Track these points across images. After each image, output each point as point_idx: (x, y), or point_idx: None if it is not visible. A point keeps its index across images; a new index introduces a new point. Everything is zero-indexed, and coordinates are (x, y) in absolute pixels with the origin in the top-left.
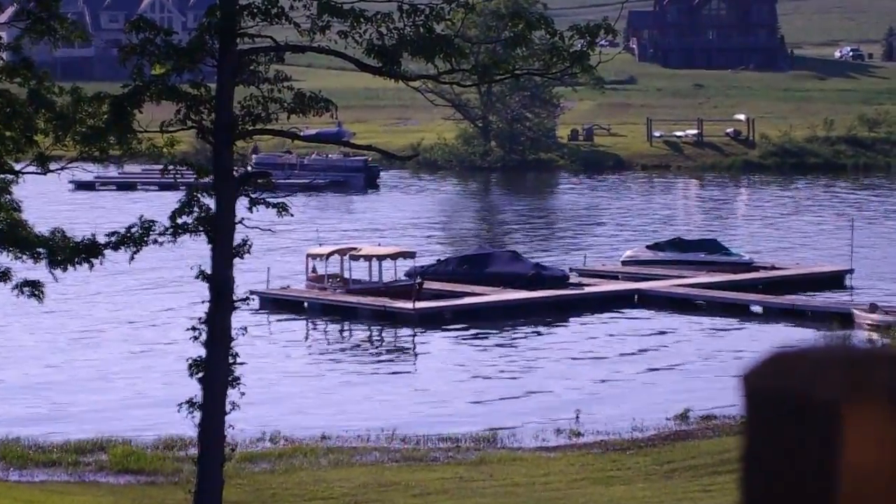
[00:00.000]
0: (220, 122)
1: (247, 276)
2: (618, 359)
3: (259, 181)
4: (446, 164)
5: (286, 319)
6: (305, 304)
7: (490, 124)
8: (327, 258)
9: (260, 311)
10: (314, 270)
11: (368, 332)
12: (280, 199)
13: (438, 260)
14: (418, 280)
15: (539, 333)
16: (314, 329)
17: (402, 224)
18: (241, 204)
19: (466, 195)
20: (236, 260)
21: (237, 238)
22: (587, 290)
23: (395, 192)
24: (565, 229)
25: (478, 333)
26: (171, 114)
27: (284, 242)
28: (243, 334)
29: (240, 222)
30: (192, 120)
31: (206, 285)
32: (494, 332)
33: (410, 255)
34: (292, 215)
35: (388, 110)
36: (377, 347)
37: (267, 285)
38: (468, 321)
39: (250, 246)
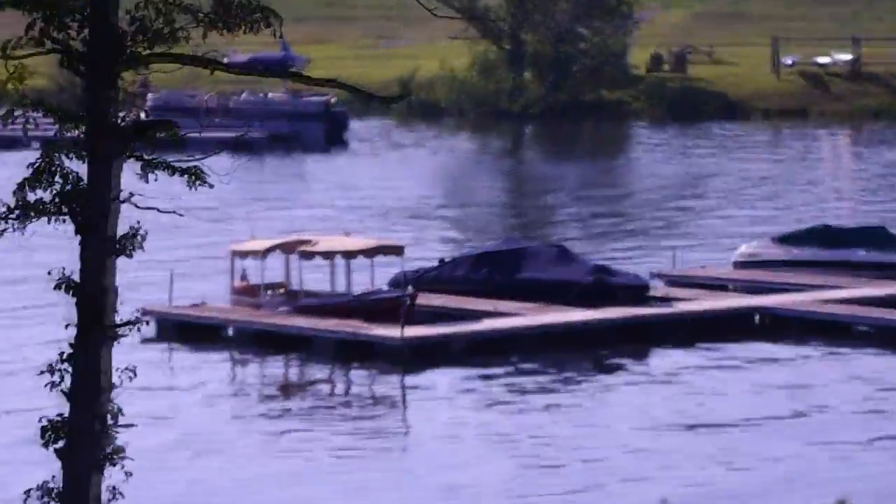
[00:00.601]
0: (96, 43)
1: (143, 290)
2: (728, 418)
3: (158, 134)
4: (454, 109)
5: (199, 356)
6: (228, 329)
7: (524, 46)
8: (264, 256)
9: (157, 342)
10: (243, 277)
11: (329, 378)
12: (192, 163)
13: (442, 260)
14: (409, 291)
15: (602, 380)
16: (242, 372)
17: (383, 202)
18: (130, 171)
19: (486, 156)
20: (122, 261)
21: (122, 225)
22: (679, 307)
23: (372, 151)
24: (643, 210)
25: (504, 379)
26: (19, 30)
27: (199, 232)
28: (129, 379)
29: (118, 198)
30: (53, 39)
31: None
32: (531, 375)
33: (396, 251)
34: (211, 187)
35: (362, 24)
36: (343, 402)
37: (169, 300)
38: (489, 358)
39: (143, 237)
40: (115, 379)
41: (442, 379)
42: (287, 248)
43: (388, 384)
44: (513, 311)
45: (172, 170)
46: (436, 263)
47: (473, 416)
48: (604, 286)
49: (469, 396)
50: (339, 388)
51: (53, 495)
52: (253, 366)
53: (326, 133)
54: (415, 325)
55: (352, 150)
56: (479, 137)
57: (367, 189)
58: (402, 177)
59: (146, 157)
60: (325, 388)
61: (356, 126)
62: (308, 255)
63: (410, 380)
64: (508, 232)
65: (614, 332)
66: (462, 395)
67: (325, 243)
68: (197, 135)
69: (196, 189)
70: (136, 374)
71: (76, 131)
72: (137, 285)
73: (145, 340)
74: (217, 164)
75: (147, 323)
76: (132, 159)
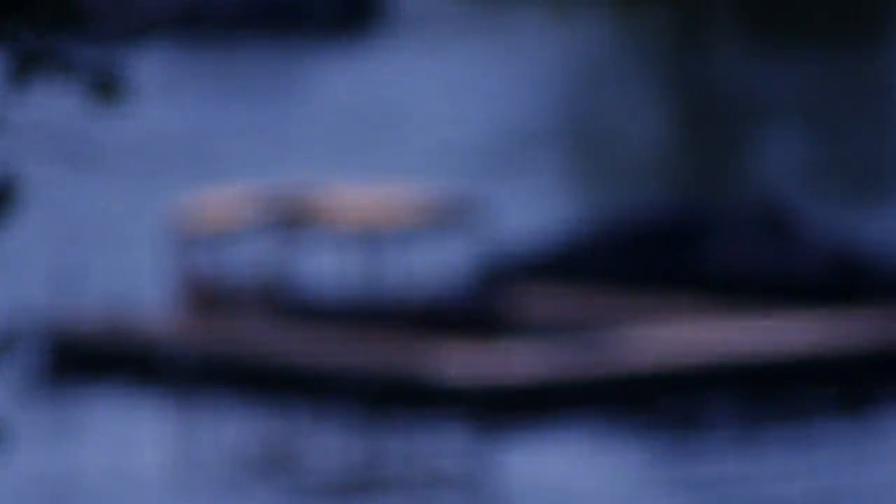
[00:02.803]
0: None
1: (19, 288)
2: None
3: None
4: None
5: (125, 404)
6: (172, 358)
7: None
8: (233, 226)
9: (47, 378)
10: (198, 264)
11: (357, 447)
12: (104, 58)
13: (567, 235)
14: (503, 289)
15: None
16: (203, 435)
17: (448, 129)
18: None
19: (639, 50)
20: None
21: None
22: None
23: (430, 36)
24: None
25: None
26: None
27: (118, 182)
28: None
29: None
30: None
31: None
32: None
33: (477, 215)
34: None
35: None
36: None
37: (68, 306)
38: (644, 403)
39: (15, 191)
40: None
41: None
42: (274, 210)
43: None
44: (694, 323)
45: (67, 69)
46: (554, 240)
47: None
48: (855, 280)
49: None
50: (385, 465)
51: None
52: (222, 425)
53: (344, 1)
54: (506, 344)
55: (391, 32)
56: (630, 15)
57: (420, 104)
58: (484, 84)
59: (23, 46)
60: (346, 463)
61: None
62: (309, 221)
63: (501, 445)
64: (683, 186)
65: (863, 363)
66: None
67: (343, 201)
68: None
69: (108, 107)
70: (6, 434)
71: None
72: (7, 280)
73: (27, 375)
74: (149, 60)
75: (28, 345)
76: None
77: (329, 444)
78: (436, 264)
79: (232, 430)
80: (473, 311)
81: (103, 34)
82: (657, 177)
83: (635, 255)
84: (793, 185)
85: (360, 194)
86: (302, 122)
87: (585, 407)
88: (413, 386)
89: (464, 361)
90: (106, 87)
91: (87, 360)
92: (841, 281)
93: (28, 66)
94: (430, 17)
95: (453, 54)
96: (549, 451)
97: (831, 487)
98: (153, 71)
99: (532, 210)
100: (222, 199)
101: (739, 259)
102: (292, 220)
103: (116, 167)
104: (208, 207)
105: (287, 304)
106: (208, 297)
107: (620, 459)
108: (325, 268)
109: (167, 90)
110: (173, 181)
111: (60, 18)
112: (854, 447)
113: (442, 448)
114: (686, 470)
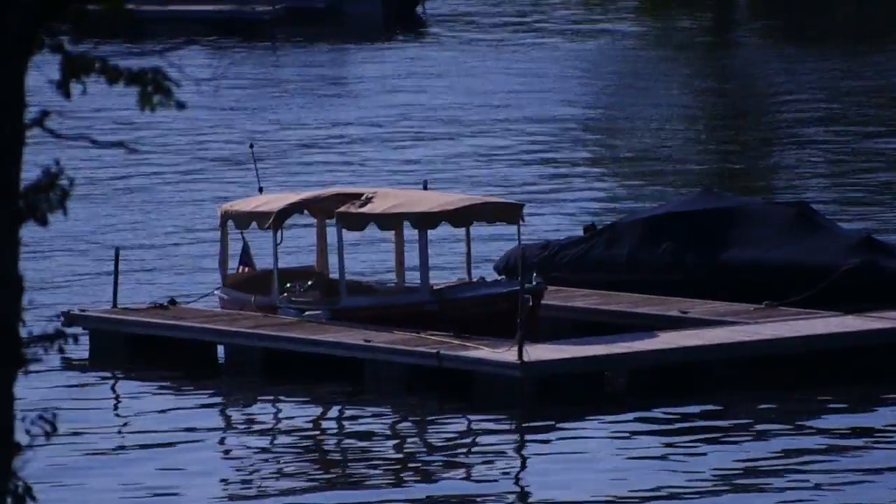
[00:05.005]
0: None
1: (67, 285)
2: None
3: (90, 7)
4: None
5: (170, 394)
6: (218, 349)
7: None
8: (279, 224)
9: (93, 369)
10: (244, 259)
11: (395, 430)
12: (151, 61)
13: (591, 227)
14: (534, 283)
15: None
16: (248, 422)
17: (485, 130)
18: (41, 75)
19: (668, 49)
20: (30, 233)
21: (27, 169)
22: None
23: (469, 39)
24: None
25: (703, 437)
26: None
27: (161, 182)
28: (45, 434)
29: (21, 121)
30: None
31: None
32: (753, 431)
33: (510, 213)
34: (182, 107)
35: None
36: (420, 470)
37: (113, 299)
38: (673, 399)
39: (66, 191)
40: (22, 435)
41: (588, 434)
42: (319, 210)
43: (494, 442)
44: (717, 318)
45: (115, 75)
46: (579, 234)
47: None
48: (879, 272)
49: (637, 468)
50: (414, 448)
51: None
52: (265, 412)
53: (387, 5)
54: (541, 343)
55: (431, 35)
56: (658, 18)
57: (457, 105)
58: (518, 85)
59: (69, 49)
60: (391, 448)
61: None
62: (355, 222)
63: (534, 434)
64: (707, 182)
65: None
66: (625, 465)
67: (386, 200)
68: (159, 8)
69: (155, 110)
70: (54, 427)
71: None
72: (54, 277)
73: (72, 367)
74: (195, 63)
75: (76, 338)
76: (44, 54)
77: (368, 430)
78: (472, 259)
79: (275, 415)
80: (509, 303)
81: (148, 40)
82: (685, 172)
83: (662, 249)
84: (819, 181)
85: (402, 193)
86: (347, 124)
87: (609, 399)
88: (446, 375)
89: (495, 353)
90: (154, 92)
91: (134, 348)
92: (870, 270)
93: (78, 73)
94: (466, 19)
95: (488, 55)
96: (571, 444)
97: (844, 482)
98: (197, 75)
99: (560, 205)
100: (271, 196)
101: (766, 254)
102: (336, 213)
103: (165, 165)
104: (256, 202)
105: (331, 295)
106: (255, 286)
107: (643, 452)
108: (366, 260)
109: (210, 93)
110: (218, 179)
111: (110, 26)
112: (874, 441)
113: (471, 436)
114: (707, 462)
